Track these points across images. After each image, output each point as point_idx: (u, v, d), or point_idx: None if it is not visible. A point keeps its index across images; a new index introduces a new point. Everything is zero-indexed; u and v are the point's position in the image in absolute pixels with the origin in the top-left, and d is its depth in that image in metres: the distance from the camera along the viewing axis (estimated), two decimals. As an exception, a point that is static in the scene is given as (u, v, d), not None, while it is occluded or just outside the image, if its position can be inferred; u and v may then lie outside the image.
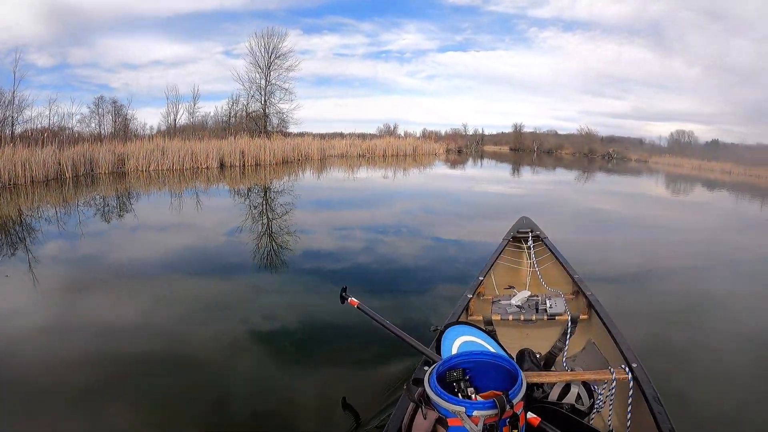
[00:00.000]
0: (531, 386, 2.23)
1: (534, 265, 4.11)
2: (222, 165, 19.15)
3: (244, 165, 19.94)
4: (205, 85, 55.53)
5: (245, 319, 4.41)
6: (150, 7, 40.69)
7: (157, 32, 49.48)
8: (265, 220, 9.57)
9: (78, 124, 23.44)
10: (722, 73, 46.22)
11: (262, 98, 29.49)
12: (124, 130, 23.52)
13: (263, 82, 29.37)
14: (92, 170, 15.73)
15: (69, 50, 34.73)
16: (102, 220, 9.12)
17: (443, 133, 46.39)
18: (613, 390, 2.22)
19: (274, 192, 13.88)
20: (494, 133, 52.21)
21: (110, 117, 24.99)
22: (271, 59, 29.25)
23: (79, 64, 38.48)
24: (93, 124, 24.35)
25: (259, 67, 29.32)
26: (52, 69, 33.48)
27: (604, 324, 2.81)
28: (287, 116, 30.36)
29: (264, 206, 11.48)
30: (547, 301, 3.29)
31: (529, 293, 3.48)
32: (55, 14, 33.62)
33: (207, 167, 18.47)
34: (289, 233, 8.27)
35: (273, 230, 8.65)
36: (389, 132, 38.86)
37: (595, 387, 2.29)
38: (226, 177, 17.13)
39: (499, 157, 38.90)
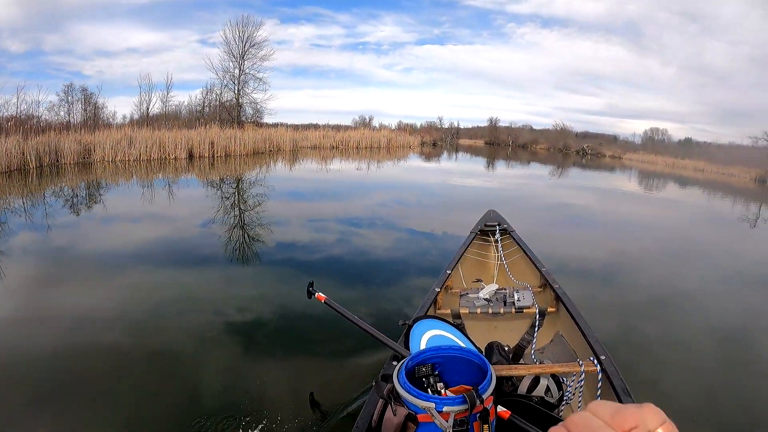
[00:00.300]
0: (500, 379, 2.24)
1: (501, 258, 4.14)
2: (191, 156, 18.62)
3: (213, 156, 19.44)
4: (180, 74, 54.38)
5: (215, 312, 4.35)
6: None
7: (132, 19, 47.93)
8: (234, 213, 9.37)
9: (47, 113, 22.50)
10: (696, 73, 47.72)
11: (236, 88, 28.93)
12: (93, 119, 22.66)
13: (237, 71, 28.81)
14: (57, 160, 15.03)
15: (43, 36, 33.18)
16: (66, 213, 8.72)
17: (419, 125, 46.52)
18: (582, 382, 2.25)
19: (243, 184, 13.59)
20: (470, 126, 52.76)
21: (80, 105, 24.04)
22: (246, 48, 28.75)
23: (53, 51, 37.05)
24: (62, 113, 23.38)
25: (233, 57, 28.74)
26: (26, 55, 32.03)
27: (571, 316, 2.85)
28: (261, 106, 29.92)
29: (233, 198, 11.23)
30: (515, 294, 3.32)
31: (496, 286, 3.51)
32: (29, -2, 32.03)
33: (175, 158, 17.92)
34: (258, 225, 8.13)
35: (242, 222, 8.49)
36: (364, 124, 38.67)
37: (564, 379, 2.31)
38: (194, 168, 16.65)
39: (473, 151, 39.26)
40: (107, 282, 5.12)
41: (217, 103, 29.10)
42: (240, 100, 28.95)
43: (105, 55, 38.71)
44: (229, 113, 28.38)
